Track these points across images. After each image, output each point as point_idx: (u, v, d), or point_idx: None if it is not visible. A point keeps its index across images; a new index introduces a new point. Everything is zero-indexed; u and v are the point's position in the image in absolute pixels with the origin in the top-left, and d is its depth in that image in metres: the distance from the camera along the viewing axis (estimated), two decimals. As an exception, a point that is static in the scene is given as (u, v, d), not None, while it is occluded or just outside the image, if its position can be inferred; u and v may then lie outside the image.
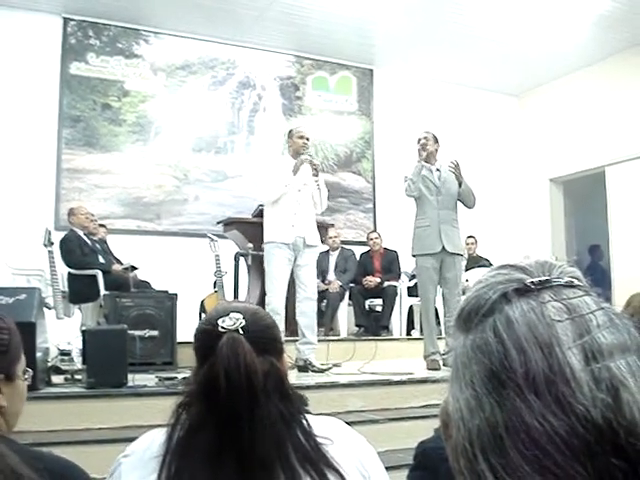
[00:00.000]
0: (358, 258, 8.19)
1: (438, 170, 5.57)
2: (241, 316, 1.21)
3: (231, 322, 1.20)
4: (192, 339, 1.27)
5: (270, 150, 8.55)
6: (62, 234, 6.63)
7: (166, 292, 5.74)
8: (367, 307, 7.89)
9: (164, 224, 8.41)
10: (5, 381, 1.34)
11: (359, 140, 9.72)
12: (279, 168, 5.27)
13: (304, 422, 1.19)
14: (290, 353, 5.01)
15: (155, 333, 5.29)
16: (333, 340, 6.77)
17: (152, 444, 1.21)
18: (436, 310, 5.93)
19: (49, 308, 5.30)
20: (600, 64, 9.19)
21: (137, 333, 5.03)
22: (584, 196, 10.13)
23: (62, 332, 4.93)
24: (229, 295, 6.44)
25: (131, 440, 1.30)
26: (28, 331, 3.53)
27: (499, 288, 0.57)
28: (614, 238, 9.13)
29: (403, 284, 7.93)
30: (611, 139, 9.03)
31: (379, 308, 7.84)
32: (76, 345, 4.39)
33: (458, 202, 5.59)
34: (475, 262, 8.40)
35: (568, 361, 0.51)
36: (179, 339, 5.35)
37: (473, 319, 0.57)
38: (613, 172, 9.16)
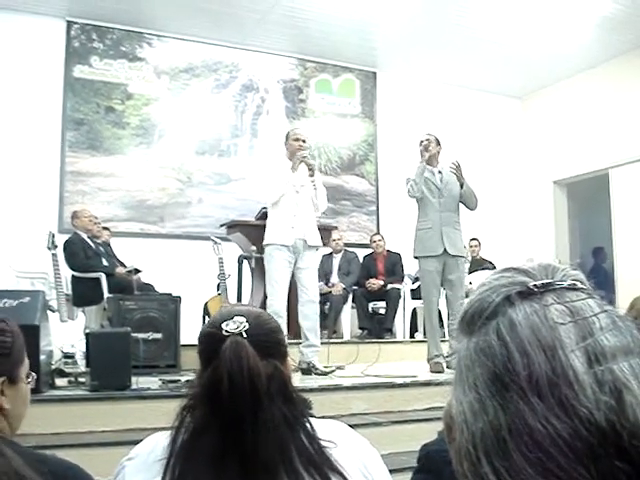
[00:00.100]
0: (361, 261, 8.18)
1: (440, 172, 5.57)
2: (245, 319, 1.22)
3: (235, 326, 1.20)
4: (196, 342, 1.27)
5: (273, 153, 8.56)
6: (66, 237, 6.64)
7: (169, 295, 5.74)
8: (370, 310, 7.89)
9: (167, 227, 8.42)
10: (8, 384, 1.34)
11: (362, 143, 9.72)
12: (278, 169, 5.28)
13: (308, 425, 1.19)
14: (293, 356, 5.00)
15: (158, 336, 5.29)
16: (336, 343, 6.77)
17: (156, 447, 1.21)
18: (439, 312, 5.93)
19: (53, 311, 5.31)
20: (603, 66, 9.19)
21: (141, 336, 5.03)
22: (588, 198, 10.12)
23: (66, 335, 4.93)
24: (232, 298, 6.45)
25: (135, 443, 1.31)
26: (32, 334, 3.54)
27: (502, 291, 0.58)
28: (618, 240, 9.11)
29: (406, 286, 7.92)
30: (615, 141, 9.02)
31: (382, 311, 7.83)
32: (80, 348, 4.40)
33: (460, 204, 5.59)
34: (479, 265, 8.39)
35: (571, 364, 0.51)
36: (182, 342, 5.34)
37: (476, 322, 0.58)
38: (617, 174, 9.15)
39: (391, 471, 1.35)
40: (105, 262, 6.66)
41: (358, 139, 9.71)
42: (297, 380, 4.73)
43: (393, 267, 8.04)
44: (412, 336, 7.74)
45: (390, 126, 9.69)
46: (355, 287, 7.90)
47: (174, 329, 5.42)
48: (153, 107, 8.53)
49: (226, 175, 8.78)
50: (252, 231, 6.13)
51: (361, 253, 8.34)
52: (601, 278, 9.17)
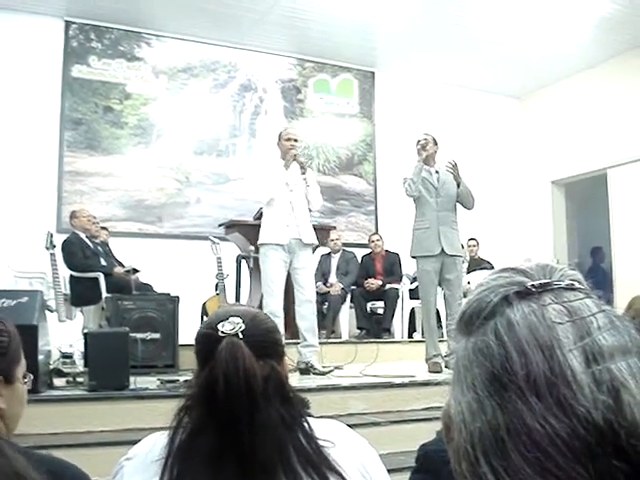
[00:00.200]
0: (360, 260, 8.18)
1: (437, 172, 5.57)
2: (241, 320, 1.22)
3: (230, 326, 1.20)
4: (193, 342, 1.27)
5: (272, 153, 8.56)
6: (64, 237, 6.63)
7: (168, 295, 5.74)
8: (369, 310, 7.89)
9: (166, 227, 8.42)
10: (4, 383, 1.34)
11: (360, 142, 9.73)
12: (270, 168, 5.28)
13: (305, 425, 1.20)
14: (292, 356, 5.01)
15: (157, 336, 5.29)
16: (335, 343, 6.77)
17: (154, 447, 1.21)
18: (438, 312, 5.93)
19: (51, 311, 5.31)
20: (602, 66, 9.19)
21: (139, 336, 5.03)
22: (586, 198, 10.13)
23: (64, 335, 4.94)
24: (231, 298, 6.45)
25: (133, 443, 1.31)
26: (30, 334, 3.54)
27: (500, 291, 0.58)
28: (616, 240, 9.12)
29: (405, 286, 7.93)
30: (613, 141, 9.03)
31: (381, 311, 7.83)
32: (78, 348, 4.40)
33: (457, 204, 5.59)
34: (477, 265, 8.39)
35: (569, 363, 0.51)
36: (181, 342, 5.34)
37: (474, 322, 0.58)
38: (615, 174, 9.16)
39: (389, 471, 1.35)
40: (103, 262, 6.65)
41: (356, 139, 9.71)
42: (295, 380, 4.73)
43: (391, 267, 8.04)
44: (410, 336, 7.74)
45: (388, 126, 9.69)
46: (353, 287, 7.90)
47: (172, 329, 5.42)
48: (151, 107, 8.53)
49: (224, 175, 8.78)
50: (250, 231, 6.13)
51: (359, 253, 8.34)
52: (599, 278, 9.18)
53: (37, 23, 7.89)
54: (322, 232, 6.78)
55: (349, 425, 1.35)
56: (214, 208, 8.59)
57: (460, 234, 5.70)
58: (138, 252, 7.37)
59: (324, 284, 7.81)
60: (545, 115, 10.27)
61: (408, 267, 7.67)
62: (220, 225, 6.93)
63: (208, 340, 1.21)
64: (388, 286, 7.77)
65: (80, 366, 4.31)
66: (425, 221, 5.47)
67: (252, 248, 5.89)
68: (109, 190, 8.16)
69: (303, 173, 5.21)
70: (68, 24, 8.13)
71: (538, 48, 8.81)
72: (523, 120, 10.64)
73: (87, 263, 6.48)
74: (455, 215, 5.58)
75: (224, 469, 1.11)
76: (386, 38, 8.74)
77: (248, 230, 6.20)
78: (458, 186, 5.51)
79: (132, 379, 4.12)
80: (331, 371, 5.17)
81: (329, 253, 8.11)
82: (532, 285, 0.57)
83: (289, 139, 5.29)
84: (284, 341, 1.36)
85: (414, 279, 7.44)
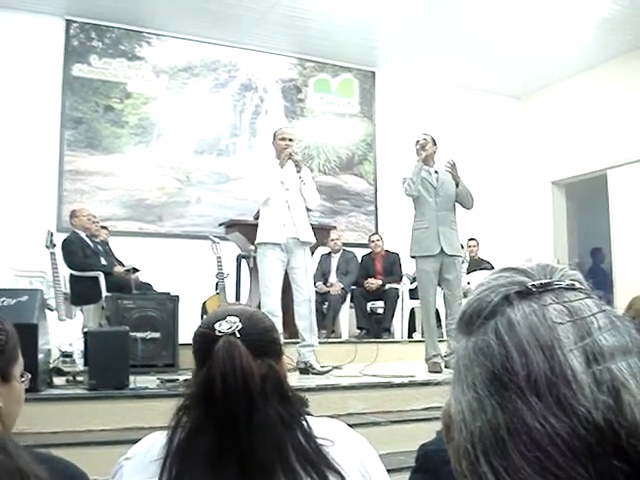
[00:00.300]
0: (360, 260, 8.18)
1: (436, 172, 5.57)
2: (238, 319, 1.22)
3: (227, 326, 1.21)
4: (191, 342, 1.28)
5: (272, 152, 8.57)
6: (64, 236, 6.63)
7: (168, 294, 5.74)
8: (369, 309, 7.89)
9: (166, 226, 8.42)
10: (1, 382, 1.34)
11: (361, 142, 9.73)
12: (265, 168, 5.29)
13: (304, 424, 1.20)
14: (291, 355, 5.01)
15: (157, 335, 5.29)
16: (334, 342, 6.78)
17: (153, 447, 1.21)
18: (438, 312, 5.93)
19: (51, 310, 5.31)
20: (603, 67, 9.19)
21: (139, 335, 5.03)
22: (586, 199, 10.13)
23: (64, 334, 4.93)
24: (231, 297, 6.45)
25: (133, 442, 1.31)
26: (30, 333, 3.54)
27: (501, 291, 0.58)
28: (616, 241, 9.12)
29: (405, 286, 7.92)
30: (613, 142, 9.03)
31: (381, 310, 7.83)
32: (78, 347, 4.39)
33: (456, 204, 5.60)
34: (477, 265, 8.39)
35: (569, 363, 0.51)
36: (181, 341, 5.34)
37: (475, 322, 0.58)
38: (615, 175, 9.16)
39: (389, 471, 1.35)
40: (103, 261, 6.65)
41: (357, 139, 9.71)
42: (295, 380, 4.73)
43: (391, 267, 8.04)
44: (410, 336, 7.74)
45: (389, 126, 9.69)
46: (353, 287, 7.90)
47: (172, 328, 5.42)
48: (152, 106, 8.53)
49: (225, 174, 8.78)
50: (250, 230, 6.12)
51: (359, 253, 8.35)
52: (599, 278, 9.18)
53: (38, 22, 7.88)
54: (322, 232, 6.79)
55: (349, 425, 1.35)
56: (214, 207, 8.59)
57: (460, 234, 5.70)
58: (138, 251, 7.37)
59: (324, 284, 7.82)
60: (546, 116, 10.27)
61: (408, 267, 7.66)
62: (220, 224, 6.93)
63: (205, 339, 1.21)
64: (388, 286, 7.77)
65: (80, 365, 4.30)
66: (424, 221, 5.47)
67: (252, 248, 5.88)
68: (109, 189, 8.16)
69: (298, 171, 5.20)
70: (69, 23, 8.13)
71: (539, 48, 8.81)
72: (524, 120, 10.64)
73: (87, 262, 6.48)
74: (454, 215, 5.58)
75: (223, 468, 1.11)
76: (386, 38, 8.74)
77: (248, 230, 6.20)
78: (457, 186, 5.51)
79: (132, 378, 4.11)
80: (329, 371, 5.17)
81: (329, 253, 8.11)
82: (533, 285, 0.57)
83: (283, 138, 5.29)
84: (282, 340, 1.36)
85: (414, 279, 7.44)
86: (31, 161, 7.64)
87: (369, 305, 7.89)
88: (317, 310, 6.93)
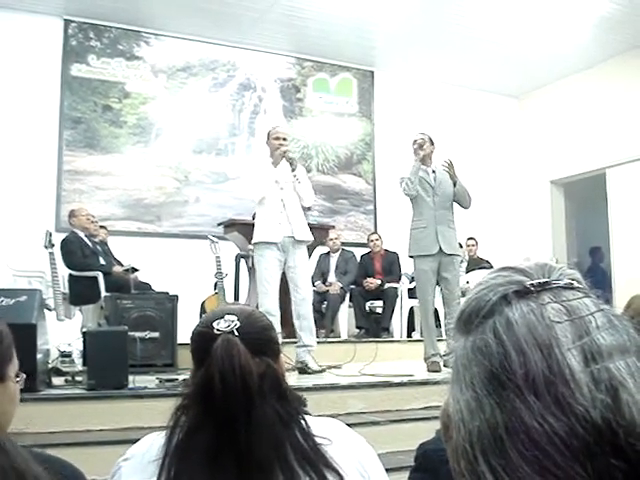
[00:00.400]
0: (359, 260, 8.19)
1: (434, 171, 5.58)
2: (236, 318, 1.22)
3: (226, 324, 1.21)
4: (189, 341, 1.28)
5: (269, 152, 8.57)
6: (63, 236, 6.63)
7: (167, 294, 5.75)
8: (368, 309, 7.89)
9: (165, 226, 8.41)
10: None
11: (360, 142, 9.73)
12: (260, 167, 5.29)
13: (302, 423, 1.19)
14: (290, 355, 5.01)
15: (156, 335, 5.30)
16: (334, 342, 6.78)
17: (151, 447, 1.21)
18: (436, 311, 5.93)
19: (50, 310, 5.30)
20: (601, 66, 9.20)
21: (138, 335, 5.03)
22: (585, 198, 10.14)
23: (63, 334, 4.93)
24: (230, 297, 6.45)
25: (132, 442, 1.31)
26: (29, 333, 3.54)
27: (499, 290, 0.58)
28: (615, 240, 9.13)
29: (404, 286, 7.92)
30: (612, 141, 9.04)
31: (380, 310, 7.83)
32: (77, 347, 4.39)
33: (454, 203, 5.60)
34: (476, 264, 8.40)
35: (567, 362, 0.51)
36: (180, 341, 5.35)
37: (473, 321, 0.58)
38: (614, 174, 9.16)
39: (388, 470, 1.35)
40: (102, 261, 6.65)
41: (355, 138, 9.71)
42: (294, 379, 4.73)
43: (390, 266, 8.04)
44: (409, 335, 7.75)
45: (387, 125, 9.69)
46: (352, 286, 7.90)
47: (171, 328, 5.42)
48: (150, 106, 8.52)
49: (223, 174, 8.77)
50: (249, 230, 6.11)
51: (358, 252, 8.35)
52: (598, 277, 9.19)
53: (36, 22, 7.88)
54: (321, 231, 6.78)
55: (348, 424, 1.35)
56: (213, 207, 8.59)
57: (458, 233, 5.70)
58: (137, 251, 7.37)
59: (323, 283, 7.82)
60: (544, 115, 10.27)
61: (407, 266, 7.67)
62: (219, 224, 6.93)
63: (204, 338, 1.21)
64: (387, 285, 7.78)
65: (79, 365, 4.30)
66: (423, 220, 5.47)
67: (251, 247, 5.88)
68: (108, 189, 8.16)
69: (293, 170, 5.20)
70: (67, 23, 8.12)
71: (537, 47, 8.81)
72: (522, 120, 10.65)
73: (86, 262, 6.48)
74: (452, 214, 5.58)
75: (221, 467, 1.11)
76: (385, 37, 8.74)
77: (247, 229, 6.19)
78: (454, 185, 5.52)
79: (131, 378, 4.12)
80: (323, 370, 5.17)
81: (328, 252, 8.11)
82: (531, 284, 0.57)
83: (277, 137, 5.29)
84: (281, 339, 1.36)
85: (413, 278, 7.44)
86: (30, 161, 7.64)
87: (368, 304, 7.89)
88: (316, 310, 6.95)
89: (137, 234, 8.16)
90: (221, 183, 8.74)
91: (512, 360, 0.52)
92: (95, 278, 6.31)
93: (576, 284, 0.58)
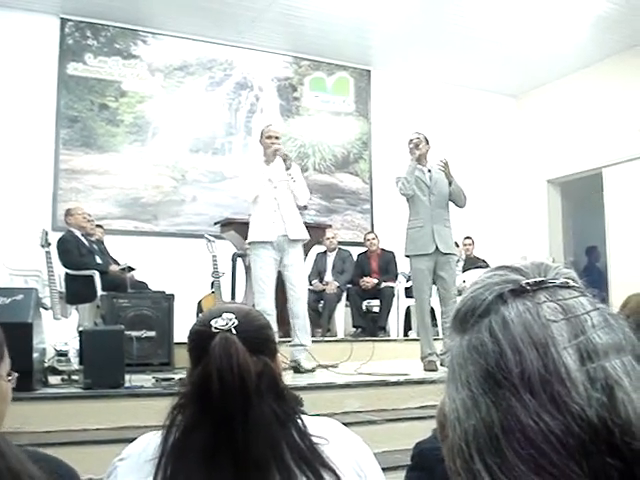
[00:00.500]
0: (355, 259, 8.19)
1: (429, 171, 5.59)
2: (234, 316, 1.22)
3: (224, 322, 1.20)
4: (186, 340, 1.27)
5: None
6: (59, 235, 6.62)
7: (163, 293, 5.74)
8: (364, 308, 7.89)
9: (161, 225, 8.41)
10: None
11: (356, 141, 9.73)
12: (254, 166, 5.29)
13: (299, 422, 1.19)
14: (286, 354, 5.01)
15: (152, 334, 5.29)
16: (330, 341, 6.78)
17: (147, 447, 1.21)
18: (433, 310, 5.93)
19: (46, 309, 5.30)
20: (598, 65, 9.21)
21: (134, 334, 5.03)
22: (581, 197, 10.15)
23: (59, 333, 4.92)
24: (226, 296, 6.45)
25: (128, 441, 1.30)
26: (25, 332, 3.53)
27: (495, 289, 0.58)
28: (611, 239, 9.14)
29: (400, 285, 7.92)
30: (609, 140, 9.05)
31: (376, 309, 7.84)
32: (73, 346, 4.39)
33: (450, 202, 5.61)
34: (472, 263, 8.40)
35: (563, 361, 0.51)
36: (176, 340, 5.34)
37: (469, 320, 0.58)
38: (610, 173, 9.17)
39: (385, 469, 1.35)
40: (99, 260, 6.64)
41: (352, 137, 9.71)
42: (289, 379, 4.73)
43: (387, 265, 8.04)
44: (406, 334, 7.75)
45: (384, 124, 9.69)
46: (349, 285, 7.90)
47: (168, 327, 5.42)
48: (147, 105, 8.51)
49: (220, 173, 8.77)
50: (246, 229, 6.10)
51: (355, 251, 8.34)
52: (594, 277, 9.20)
53: (32, 20, 7.86)
54: (318, 230, 6.79)
55: (344, 423, 1.35)
56: (210, 206, 8.58)
57: (455, 232, 5.71)
58: (133, 250, 7.36)
59: (320, 282, 7.82)
60: (541, 114, 10.28)
61: (403, 265, 7.67)
62: (216, 223, 6.93)
63: (201, 337, 1.21)
64: (384, 284, 7.78)
65: (75, 364, 4.30)
66: (419, 220, 5.48)
67: (247, 246, 5.88)
68: (105, 188, 8.15)
69: (288, 168, 5.19)
70: (64, 21, 8.11)
71: (535, 47, 8.82)
72: (519, 119, 10.65)
73: (82, 261, 6.47)
74: (448, 213, 5.60)
75: (218, 466, 1.11)
76: (382, 36, 8.74)
77: (244, 228, 6.18)
78: (450, 185, 5.53)
79: (127, 377, 4.11)
80: (315, 370, 5.16)
81: (325, 251, 8.11)
82: (527, 283, 0.57)
83: (269, 136, 5.30)
84: (277, 339, 1.36)
85: (409, 277, 7.45)
86: (26, 160, 7.63)
87: (365, 304, 7.89)
88: (313, 309, 6.96)
89: (134, 233, 8.15)
90: (218, 182, 8.73)
91: (508, 359, 0.52)
92: (91, 277, 6.30)
93: (572, 283, 0.58)
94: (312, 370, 5.14)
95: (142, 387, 4.10)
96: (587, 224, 10.06)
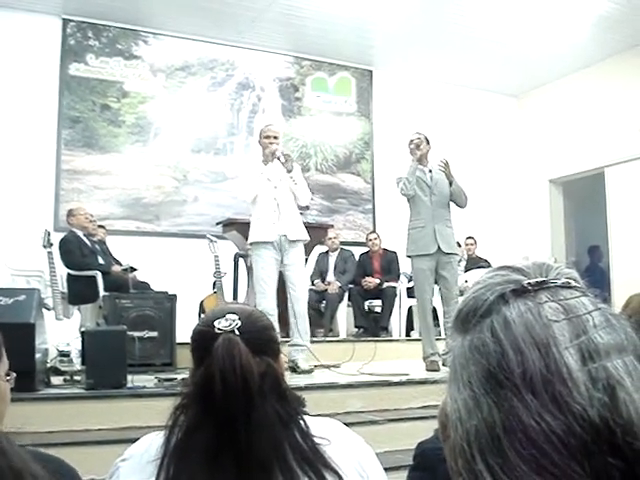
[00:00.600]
0: (357, 259, 8.19)
1: (430, 171, 5.59)
2: (237, 317, 1.21)
3: (227, 323, 1.20)
4: (189, 341, 1.27)
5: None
6: (61, 235, 6.63)
7: (165, 293, 5.74)
8: (366, 308, 7.89)
9: (163, 225, 8.41)
10: None
11: (358, 141, 9.72)
12: (253, 167, 5.29)
13: (301, 423, 1.19)
14: (287, 354, 5.01)
15: (154, 334, 5.29)
16: (332, 341, 6.78)
17: (150, 448, 1.21)
18: (435, 310, 5.93)
19: (48, 309, 5.30)
20: (599, 65, 9.20)
21: (136, 334, 5.03)
22: (583, 197, 10.14)
23: (61, 333, 4.93)
24: (228, 296, 6.45)
25: (130, 441, 1.31)
26: (27, 332, 3.53)
27: (497, 289, 0.58)
28: (613, 239, 9.13)
29: (402, 285, 7.92)
30: (610, 140, 9.04)
31: (378, 309, 7.83)
32: (75, 346, 4.39)
33: (451, 202, 5.61)
34: (474, 263, 8.40)
35: (565, 361, 0.51)
36: (178, 340, 5.34)
37: (471, 320, 0.58)
38: (612, 173, 9.17)
39: (387, 469, 1.35)
40: (101, 260, 6.65)
41: (354, 137, 9.70)
42: (287, 378, 4.72)
43: (389, 265, 8.04)
44: (408, 334, 7.74)
45: (386, 124, 9.69)
46: (351, 285, 7.90)
47: (170, 327, 5.42)
48: (149, 105, 8.52)
49: (222, 173, 8.77)
50: (248, 229, 6.11)
51: (357, 251, 8.35)
52: (597, 277, 9.19)
53: (34, 21, 7.87)
54: (320, 230, 6.79)
55: (346, 423, 1.35)
56: (212, 206, 8.58)
57: (457, 232, 5.71)
58: (136, 250, 7.36)
59: (322, 282, 7.82)
60: (543, 114, 10.27)
61: (405, 265, 7.66)
62: (218, 223, 6.93)
63: (204, 337, 1.21)
64: (386, 284, 7.78)
65: (77, 364, 4.30)
66: (420, 220, 5.48)
67: (249, 246, 5.88)
68: (107, 188, 8.15)
69: (289, 171, 5.17)
70: (65, 22, 8.11)
71: (536, 47, 8.81)
72: (521, 119, 10.65)
73: (85, 261, 6.47)
74: (449, 213, 5.60)
75: (220, 467, 1.11)
76: (384, 36, 8.74)
77: (246, 228, 6.18)
78: (450, 185, 5.53)
79: (129, 377, 4.12)
80: (312, 370, 5.15)
81: (327, 251, 8.11)
82: (528, 283, 0.57)
83: (267, 136, 5.29)
84: (279, 339, 1.36)
85: (411, 277, 7.45)
86: (28, 160, 7.63)
87: (367, 304, 7.89)
88: (315, 309, 6.96)
89: (136, 233, 8.15)
90: (220, 182, 8.73)
91: (509, 359, 0.52)
92: (94, 277, 6.31)
93: (574, 283, 0.58)
94: (309, 371, 5.12)
95: (144, 387, 4.11)
96: (589, 224, 10.05)
